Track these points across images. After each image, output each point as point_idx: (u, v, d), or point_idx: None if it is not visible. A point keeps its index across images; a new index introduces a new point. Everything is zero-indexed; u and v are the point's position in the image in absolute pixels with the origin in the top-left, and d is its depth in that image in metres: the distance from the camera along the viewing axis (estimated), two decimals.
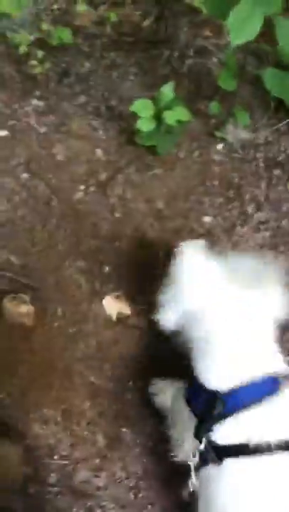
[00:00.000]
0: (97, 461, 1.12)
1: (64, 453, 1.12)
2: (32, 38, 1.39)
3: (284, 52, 1.02)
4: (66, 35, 1.35)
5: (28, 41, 1.36)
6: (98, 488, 1.11)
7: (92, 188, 1.28)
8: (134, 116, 1.23)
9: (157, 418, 1.15)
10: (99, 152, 1.32)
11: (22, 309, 1.15)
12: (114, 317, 1.20)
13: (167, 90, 1.19)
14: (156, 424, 1.14)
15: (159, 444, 1.13)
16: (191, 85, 1.38)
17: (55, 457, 1.11)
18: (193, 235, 1.25)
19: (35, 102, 1.35)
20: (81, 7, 1.39)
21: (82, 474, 1.11)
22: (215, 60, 1.39)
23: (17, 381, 1.14)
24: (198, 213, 1.27)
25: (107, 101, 1.37)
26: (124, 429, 1.14)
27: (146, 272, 1.24)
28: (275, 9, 0.96)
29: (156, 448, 1.13)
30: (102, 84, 1.39)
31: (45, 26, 1.37)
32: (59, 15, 1.43)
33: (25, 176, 1.28)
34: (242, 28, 0.91)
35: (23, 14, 1.41)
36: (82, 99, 1.37)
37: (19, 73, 1.36)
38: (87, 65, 1.40)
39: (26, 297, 1.17)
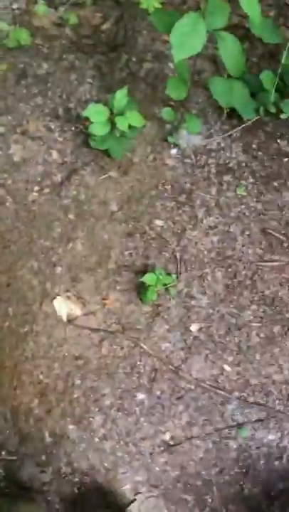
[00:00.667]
0: (44, 457, 1.16)
1: (12, 449, 1.16)
2: None
3: (227, 65, 1.04)
4: (25, 36, 1.35)
5: None
6: (44, 484, 1.15)
7: (46, 190, 1.30)
8: (89, 120, 1.25)
9: (103, 415, 1.19)
10: (54, 154, 1.34)
11: None
12: (64, 317, 1.23)
13: (120, 96, 1.21)
14: (102, 420, 1.18)
15: (104, 440, 1.17)
16: (148, 89, 1.40)
17: (3, 453, 1.15)
18: (145, 237, 1.29)
19: None
20: (41, 8, 1.40)
21: (29, 470, 1.15)
22: (171, 65, 1.41)
23: None
24: (151, 216, 1.31)
25: (64, 103, 1.39)
26: (70, 426, 1.18)
27: (97, 274, 1.27)
28: (220, 24, 0.99)
29: (101, 444, 1.17)
30: (60, 86, 1.40)
31: (3, 26, 1.37)
32: (18, 15, 1.43)
33: None
34: (184, 43, 0.93)
35: None
36: (39, 100, 1.38)
37: None
38: (45, 66, 1.41)
39: None
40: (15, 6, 1.44)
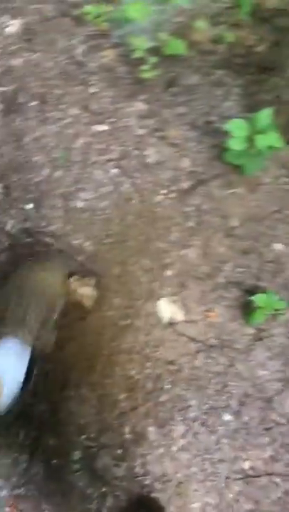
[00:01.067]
0: (120, 451, 1.16)
1: (91, 436, 1.17)
2: (149, 44, 1.46)
3: None
4: (181, 47, 1.41)
5: (144, 47, 1.43)
6: (115, 478, 1.15)
7: (172, 194, 1.33)
8: (228, 134, 1.26)
9: (186, 426, 1.17)
10: (186, 162, 1.36)
11: (85, 291, 1.23)
12: (165, 320, 1.24)
13: (264, 115, 1.21)
14: (184, 431, 1.16)
15: (182, 451, 1.15)
16: None
17: (83, 437, 1.17)
18: (261, 258, 1.26)
19: (138, 104, 1.42)
20: (201, 24, 1.45)
21: (104, 460, 1.16)
22: None
23: (63, 356, 1.21)
24: (270, 239, 1.28)
25: (206, 115, 1.42)
26: (151, 429, 1.17)
27: (206, 284, 1.26)
28: None
29: (178, 454, 1.15)
30: (205, 99, 1.43)
31: (163, 36, 1.44)
32: (178, 27, 1.50)
33: (114, 171, 1.35)
34: None
35: (146, 22, 1.50)
36: (182, 109, 1.42)
37: (130, 75, 1.44)
38: (195, 78, 1.45)
39: (92, 281, 1.24)
40: (177, 20, 1.51)
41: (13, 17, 1.50)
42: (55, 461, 1.15)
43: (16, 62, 1.47)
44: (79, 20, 1.51)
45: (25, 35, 1.49)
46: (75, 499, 1.14)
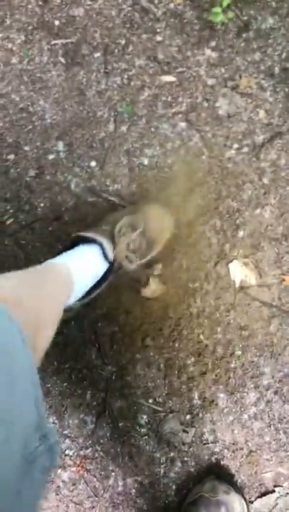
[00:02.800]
0: (188, 417, 1.12)
1: (159, 400, 1.14)
2: None
3: None
4: None
5: None
6: (183, 443, 1.12)
7: (245, 149, 1.24)
8: None
9: (258, 394, 1.11)
10: (261, 113, 1.26)
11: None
12: (237, 283, 1.17)
13: None
14: (255, 399, 1.11)
15: (254, 419, 1.10)
16: None
17: (150, 401, 1.14)
18: None
19: (208, 52, 1.32)
20: None
21: (172, 425, 1.13)
22: None
23: (131, 319, 1.17)
24: None
25: (283, 62, 1.30)
26: (221, 395, 1.12)
27: (281, 246, 1.18)
28: None
29: (250, 422, 1.10)
30: (282, 44, 1.31)
31: None
32: None
33: (182, 124, 1.27)
34: None
35: None
36: (257, 56, 1.30)
37: (199, 20, 1.33)
38: (271, 21, 1.32)
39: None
40: None
41: None
42: (121, 423, 1.13)
43: (78, 11, 1.39)
44: None
45: None
46: (142, 462, 1.12)
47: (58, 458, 0.58)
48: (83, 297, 1.02)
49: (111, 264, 1.02)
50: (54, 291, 0.84)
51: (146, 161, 1.26)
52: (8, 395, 0.49)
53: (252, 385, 1.12)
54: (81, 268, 0.96)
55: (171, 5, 1.37)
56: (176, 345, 1.16)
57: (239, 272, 1.17)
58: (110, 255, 1.01)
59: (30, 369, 0.55)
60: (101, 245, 1.01)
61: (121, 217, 1.10)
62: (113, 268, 1.03)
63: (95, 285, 1.03)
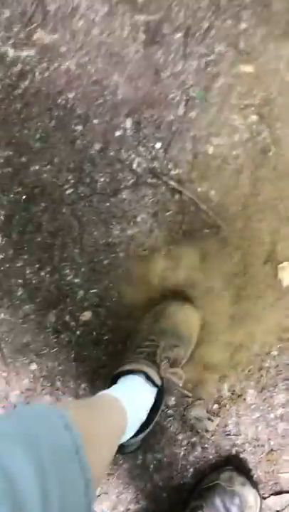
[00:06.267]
0: (216, 406, 1.15)
1: (189, 385, 1.17)
2: None
3: None
4: None
5: None
6: (207, 431, 1.15)
7: None
8: None
9: (287, 395, 1.13)
10: None
11: None
12: (284, 284, 1.17)
13: None
14: (285, 400, 1.12)
15: (280, 420, 1.12)
16: None
17: (181, 385, 1.17)
18: None
19: None
20: None
21: (198, 412, 1.16)
22: None
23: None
24: None
25: None
26: (251, 391, 1.14)
27: None
28: None
29: (275, 422, 1.12)
30: None
31: None
32: None
33: (253, 117, 1.26)
34: None
35: None
36: None
37: (288, 12, 1.30)
38: None
39: None
40: None
41: None
42: None
43: None
44: None
45: None
46: (164, 441, 1.16)
47: None
48: (140, 431, 0.97)
49: (159, 387, 0.99)
50: (111, 426, 0.81)
51: (211, 150, 1.26)
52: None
53: (283, 387, 1.13)
54: (131, 398, 0.92)
55: None
56: (215, 338, 1.17)
57: (286, 271, 1.17)
58: (156, 379, 0.98)
59: (75, 453, 0.56)
60: (144, 373, 0.98)
61: (149, 338, 1.06)
62: (163, 390, 1.00)
63: (150, 412, 0.99)
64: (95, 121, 1.32)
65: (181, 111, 1.30)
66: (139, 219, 1.25)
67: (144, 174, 1.28)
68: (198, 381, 1.16)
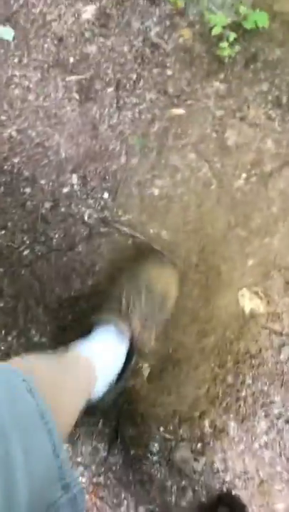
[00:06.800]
0: (200, 445, 1.13)
1: (170, 428, 1.16)
2: (228, 20, 1.38)
3: None
4: (263, 19, 1.31)
5: (223, 23, 1.35)
6: (194, 472, 1.13)
7: (254, 178, 1.26)
8: None
9: (269, 422, 1.12)
10: (269, 143, 1.28)
11: None
12: (247, 312, 1.18)
13: None
14: (266, 428, 1.11)
15: (265, 448, 1.10)
16: None
17: (161, 429, 1.15)
18: None
19: (217, 84, 1.35)
20: None
21: (183, 453, 1.14)
22: None
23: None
24: None
25: None
26: (232, 424, 1.13)
27: None
28: None
29: (261, 451, 1.10)
30: None
31: (243, 9, 1.35)
32: (260, 0, 1.40)
33: (192, 156, 1.30)
34: None
35: None
36: (264, 86, 1.33)
37: (208, 54, 1.37)
38: (278, 52, 1.35)
39: None
40: None
41: (87, 3, 1.48)
42: (133, 451, 1.15)
43: (92, 48, 1.45)
44: (153, 0, 1.46)
45: (99, 20, 1.46)
46: (154, 490, 1.13)
47: (82, 508, 0.58)
48: (114, 383, 1.02)
49: (130, 342, 1.03)
50: (77, 379, 0.85)
51: (156, 192, 1.30)
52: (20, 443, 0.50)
53: (263, 414, 1.12)
54: (103, 356, 0.96)
55: (181, 40, 1.41)
56: (187, 374, 1.17)
57: (248, 300, 1.19)
58: (128, 334, 1.03)
59: (40, 418, 0.56)
60: (116, 326, 1.02)
61: (123, 290, 1.10)
62: (134, 347, 1.04)
63: (122, 369, 1.03)
64: (42, 181, 1.35)
65: (123, 160, 1.34)
66: (97, 268, 1.27)
67: (96, 225, 1.30)
68: (179, 421, 1.15)
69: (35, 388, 0.58)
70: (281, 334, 1.15)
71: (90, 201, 1.32)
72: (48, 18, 1.49)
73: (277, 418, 1.11)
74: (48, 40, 1.47)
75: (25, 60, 1.46)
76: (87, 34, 1.46)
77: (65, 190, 1.34)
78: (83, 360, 0.92)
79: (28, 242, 1.31)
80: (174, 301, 1.15)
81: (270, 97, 1.32)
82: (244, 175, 1.27)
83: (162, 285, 1.13)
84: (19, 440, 0.50)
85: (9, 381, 0.57)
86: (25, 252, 1.31)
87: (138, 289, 1.10)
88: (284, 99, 1.31)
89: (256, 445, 1.11)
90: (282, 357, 1.14)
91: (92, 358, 0.93)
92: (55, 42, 1.47)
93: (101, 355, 0.96)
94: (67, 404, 0.73)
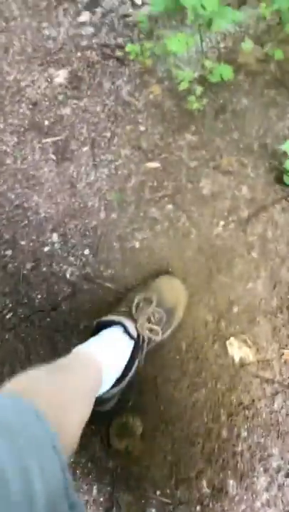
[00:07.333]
0: (199, 508, 1.08)
1: (167, 491, 1.10)
2: (195, 74, 1.43)
3: None
4: (228, 72, 1.36)
5: (190, 78, 1.40)
6: None
7: (232, 225, 1.26)
8: (286, 155, 1.18)
9: (269, 477, 1.07)
10: (244, 189, 1.29)
11: None
12: (236, 361, 1.15)
13: None
14: (266, 483, 1.06)
15: (267, 507, 1.05)
16: None
17: (158, 493, 1.10)
18: None
19: (189, 136, 1.38)
20: (247, 45, 1.39)
21: None
22: None
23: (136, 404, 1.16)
24: None
25: (260, 138, 1.35)
26: (231, 482, 1.08)
27: (277, 319, 1.17)
28: None
29: (263, 510, 1.04)
30: (258, 122, 1.36)
31: (208, 63, 1.40)
32: (224, 53, 1.45)
33: (169, 207, 1.31)
34: None
35: (190, 52, 1.47)
36: (235, 135, 1.36)
37: (178, 108, 1.41)
38: (245, 101, 1.39)
39: None
40: (222, 45, 1.46)
41: (59, 68, 1.53)
42: None
43: (66, 110, 1.49)
44: (123, 61, 1.52)
45: (71, 83, 1.51)
46: None
47: None
48: (118, 383, 1.03)
49: (136, 341, 1.05)
50: (81, 384, 0.86)
51: (137, 245, 1.30)
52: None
53: (261, 469, 1.07)
54: (108, 352, 0.99)
55: (151, 96, 1.46)
56: (181, 432, 1.13)
57: (237, 348, 1.16)
58: (133, 332, 1.05)
59: (49, 437, 0.59)
60: (122, 325, 1.05)
61: (134, 296, 1.14)
62: (140, 345, 1.06)
63: (126, 367, 1.04)
64: (23, 242, 1.35)
65: (102, 215, 1.35)
66: (81, 327, 1.25)
67: (78, 282, 1.29)
68: (176, 483, 1.10)
69: (42, 413, 0.61)
70: (273, 382, 1.12)
71: (72, 259, 1.32)
72: (22, 84, 1.54)
73: (277, 472, 1.06)
74: (23, 105, 1.52)
75: (1, 125, 1.49)
76: (60, 97, 1.51)
77: (46, 249, 1.33)
78: (88, 356, 0.94)
79: (10, 305, 1.30)
80: (183, 309, 1.19)
81: (241, 145, 1.34)
82: (222, 222, 1.27)
83: (172, 293, 1.17)
84: (34, 457, 0.54)
85: (17, 405, 0.61)
86: (8, 316, 1.29)
87: (148, 296, 1.13)
88: (255, 146, 1.34)
89: (258, 504, 1.05)
90: (276, 406, 1.11)
91: (97, 354, 0.95)
92: (30, 106, 1.51)
93: (106, 352, 0.98)
94: (70, 425, 0.74)
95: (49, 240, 1.34)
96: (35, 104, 1.51)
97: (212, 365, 1.16)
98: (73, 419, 0.75)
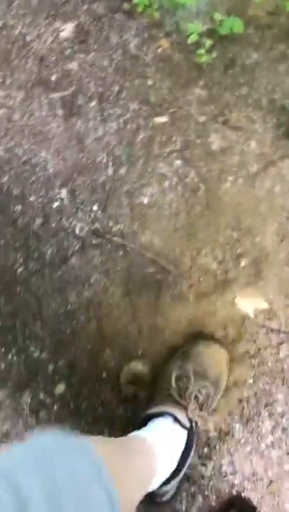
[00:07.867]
0: (206, 450, 1.13)
1: None
2: (204, 27, 1.41)
3: None
4: (238, 24, 1.34)
5: (199, 31, 1.38)
6: (203, 477, 1.12)
7: (240, 180, 1.27)
8: None
9: (273, 421, 1.11)
10: (253, 144, 1.30)
11: None
12: (244, 312, 1.18)
13: None
14: (271, 427, 1.11)
15: (272, 448, 1.10)
16: None
17: None
18: None
19: (197, 90, 1.37)
20: None
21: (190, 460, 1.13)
22: None
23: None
24: None
25: (269, 94, 1.34)
26: (237, 425, 1.13)
27: (284, 272, 1.19)
28: None
29: (268, 451, 1.09)
30: (267, 77, 1.35)
31: (218, 16, 1.38)
32: (234, 5, 1.42)
33: (178, 162, 1.32)
34: None
35: (199, 4, 1.44)
36: (244, 90, 1.35)
37: (186, 62, 1.39)
38: (255, 56, 1.37)
39: None
40: None
41: (65, 21, 1.51)
42: None
43: (72, 65, 1.48)
44: (130, 14, 1.49)
45: (78, 37, 1.49)
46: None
47: None
48: (173, 476, 0.97)
49: (190, 429, 0.99)
50: (139, 473, 0.81)
51: (145, 200, 1.31)
52: None
53: (266, 413, 1.12)
54: (160, 441, 0.92)
55: (159, 50, 1.44)
56: None
57: (245, 300, 1.19)
58: (185, 421, 0.98)
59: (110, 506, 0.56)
60: (172, 415, 0.98)
61: (172, 371, 1.06)
62: (193, 431, 1.00)
63: (182, 456, 0.99)
64: (32, 198, 1.36)
65: (110, 171, 1.35)
66: (92, 280, 1.27)
67: (88, 237, 1.31)
68: None
69: (106, 471, 0.57)
70: (279, 332, 1.15)
71: (81, 214, 1.33)
72: (28, 38, 1.52)
73: (281, 416, 1.11)
74: (30, 59, 1.50)
75: (8, 81, 1.48)
76: (67, 51, 1.49)
77: (55, 205, 1.35)
78: (146, 447, 0.88)
79: (21, 259, 1.32)
80: (226, 379, 1.12)
81: (250, 100, 1.34)
82: (231, 177, 1.28)
83: (214, 362, 1.10)
84: None
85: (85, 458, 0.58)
86: (20, 270, 1.31)
87: (188, 369, 1.05)
88: (263, 101, 1.33)
89: (263, 445, 1.10)
90: (281, 355, 1.14)
91: (153, 446, 0.89)
92: (36, 61, 1.49)
93: (161, 445, 0.92)
94: (130, 492, 0.70)
95: (58, 196, 1.35)
96: (41, 59, 1.49)
97: (219, 316, 1.19)
98: (131, 494, 0.71)
